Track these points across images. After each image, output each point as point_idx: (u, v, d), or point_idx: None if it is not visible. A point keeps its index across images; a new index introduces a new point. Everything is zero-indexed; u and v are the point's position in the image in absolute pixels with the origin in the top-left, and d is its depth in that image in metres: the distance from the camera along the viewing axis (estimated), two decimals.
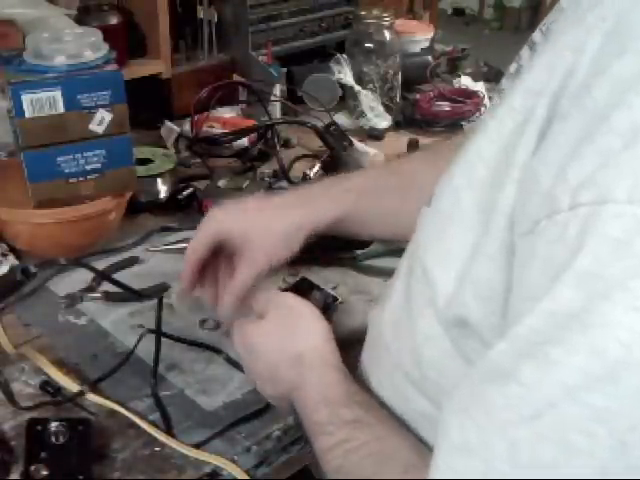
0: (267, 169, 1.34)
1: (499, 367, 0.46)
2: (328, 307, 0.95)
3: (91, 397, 0.82)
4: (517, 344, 0.45)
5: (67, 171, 1.01)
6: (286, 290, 0.97)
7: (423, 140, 1.46)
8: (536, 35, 0.63)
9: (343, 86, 1.55)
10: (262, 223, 0.83)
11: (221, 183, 1.22)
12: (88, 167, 1.02)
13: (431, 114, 1.54)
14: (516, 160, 0.50)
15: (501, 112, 0.54)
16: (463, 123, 1.51)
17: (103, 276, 0.99)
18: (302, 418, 0.69)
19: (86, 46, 1.01)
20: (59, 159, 1.00)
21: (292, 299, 0.76)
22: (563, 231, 0.43)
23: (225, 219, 0.84)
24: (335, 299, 0.96)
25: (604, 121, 0.44)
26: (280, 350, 0.72)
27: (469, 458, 0.47)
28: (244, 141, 1.38)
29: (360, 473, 0.61)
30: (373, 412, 0.65)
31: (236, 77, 1.55)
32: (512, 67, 0.66)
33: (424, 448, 0.60)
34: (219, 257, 0.84)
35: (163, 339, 0.88)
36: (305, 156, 1.40)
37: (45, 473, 0.70)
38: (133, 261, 1.07)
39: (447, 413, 0.50)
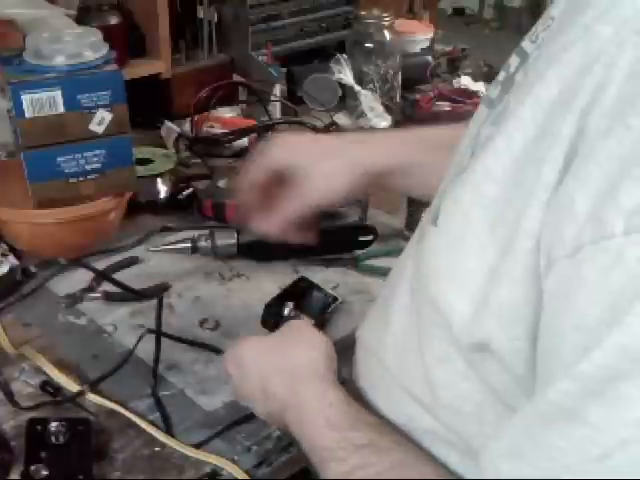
0: None
1: (561, 408, 0.43)
2: (328, 307, 0.95)
3: (91, 397, 0.82)
4: (583, 382, 0.42)
5: (67, 171, 1.01)
6: (285, 289, 0.97)
7: None
8: (526, 44, 0.61)
9: (343, 86, 1.55)
10: (320, 157, 0.82)
11: (221, 183, 1.22)
12: (88, 167, 1.02)
13: (431, 114, 1.54)
14: (542, 179, 0.47)
15: (509, 127, 0.52)
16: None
17: (103, 276, 1.00)
18: (300, 440, 0.66)
19: (86, 46, 1.01)
20: (59, 159, 1.00)
21: (294, 319, 0.76)
22: (619, 257, 0.41)
23: (287, 147, 0.84)
24: (335, 299, 0.96)
25: None
26: (272, 362, 0.70)
27: None
28: (244, 141, 1.38)
29: None
30: (386, 435, 0.61)
31: (236, 77, 1.56)
32: (501, 75, 0.64)
33: (448, 474, 0.58)
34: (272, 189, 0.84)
35: (163, 339, 0.88)
36: None
37: (45, 473, 0.70)
38: (133, 261, 1.07)
39: (496, 457, 0.48)
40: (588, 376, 0.42)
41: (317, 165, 0.81)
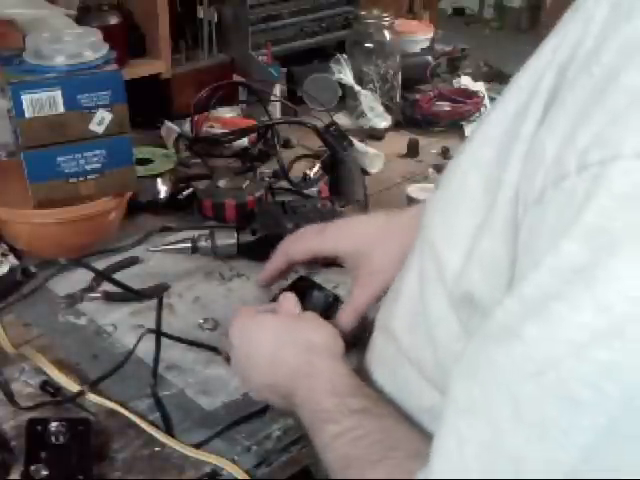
0: (267, 169, 1.34)
1: (504, 326, 0.46)
2: (329, 306, 0.95)
3: (91, 397, 0.82)
4: (522, 302, 0.44)
5: (67, 171, 1.01)
6: (285, 289, 0.96)
7: (423, 140, 1.46)
8: None
9: (343, 86, 1.55)
10: (383, 242, 0.82)
11: (221, 183, 1.22)
12: (88, 167, 1.02)
13: (431, 114, 1.54)
14: (521, 134, 0.50)
15: (507, 94, 0.55)
16: (463, 123, 1.51)
17: (103, 276, 1.00)
18: (302, 407, 0.69)
19: (86, 46, 1.01)
20: (59, 159, 1.00)
21: (310, 313, 0.79)
22: (572, 196, 0.42)
23: (342, 237, 0.86)
24: (337, 298, 0.96)
25: (612, 82, 0.43)
26: (289, 335, 0.74)
27: (474, 420, 0.46)
28: (244, 141, 1.38)
29: (366, 460, 0.60)
30: (381, 406, 0.65)
31: (236, 77, 1.56)
32: None
33: (430, 440, 0.59)
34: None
35: (163, 339, 0.88)
36: (305, 156, 1.40)
37: (45, 473, 0.70)
38: (133, 261, 1.07)
39: (453, 380, 0.50)
40: (527, 296, 0.44)
41: (379, 253, 0.82)
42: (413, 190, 1.24)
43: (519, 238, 0.48)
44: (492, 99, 1.58)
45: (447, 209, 0.59)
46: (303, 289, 0.95)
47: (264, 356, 0.74)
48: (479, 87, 1.62)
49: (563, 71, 0.48)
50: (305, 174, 1.31)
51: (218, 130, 1.41)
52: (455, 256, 0.55)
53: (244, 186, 1.21)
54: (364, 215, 0.96)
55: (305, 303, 0.91)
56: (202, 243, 1.06)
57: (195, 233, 1.08)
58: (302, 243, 0.89)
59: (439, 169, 1.33)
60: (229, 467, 0.75)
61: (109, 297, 0.99)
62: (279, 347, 0.73)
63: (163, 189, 1.22)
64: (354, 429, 0.62)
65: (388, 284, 0.78)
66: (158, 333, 0.88)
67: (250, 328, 0.77)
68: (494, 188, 0.52)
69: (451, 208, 0.58)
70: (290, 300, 0.81)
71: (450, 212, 0.58)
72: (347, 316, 0.83)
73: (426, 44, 1.76)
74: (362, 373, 0.72)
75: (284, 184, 1.29)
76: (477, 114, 1.52)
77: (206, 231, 1.08)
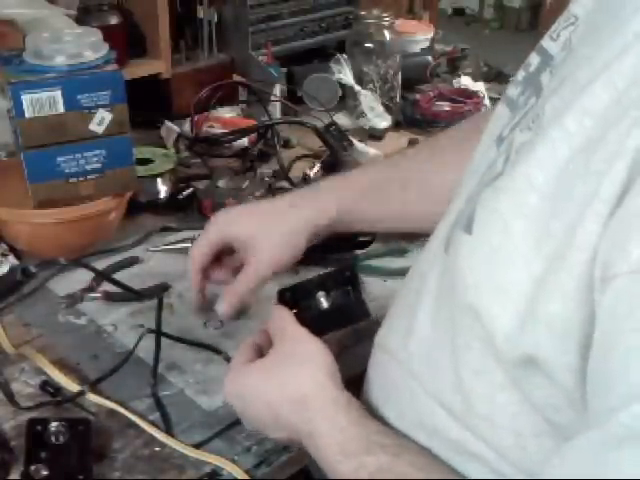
0: (267, 169, 1.34)
1: (632, 431, 0.41)
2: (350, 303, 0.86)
3: (91, 397, 0.82)
4: None
5: (67, 171, 1.01)
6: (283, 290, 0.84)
7: (423, 140, 1.46)
8: (547, 43, 0.60)
9: (343, 86, 1.55)
10: (265, 227, 0.88)
11: (221, 183, 1.22)
12: (88, 167, 1.02)
13: (431, 114, 1.54)
14: (600, 192, 0.46)
15: (552, 136, 0.51)
16: None
17: (103, 276, 0.99)
18: (319, 463, 0.65)
19: (86, 46, 1.01)
20: (59, 159, 1.00)
21: (297, 331, 0.71)
22: None
23: (230, 223, 0.90)
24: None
25: None
26: (280, 389, 0.68)
27: None
28: (244, 141, 1.38)
29: None
30: (404, 456, 0.60)
31: (236, 77, 1.56)
32: (520, 75, 0.62)
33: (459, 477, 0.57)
34: (222, 259, 0.91)
35: (163, 339, 0.88)
36: (305, 156, 1.40)
37: (45, 473, 0.70)
38: (133, 261, 1.07)
39: None
40: None
41: (262, 237, 0.87)
42: None
43: (600, 304, 0.45)
44: (492, 99, 1.59)
45: (487, 259, 0.54)
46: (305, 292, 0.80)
47: (267, 417, 0.69)
48: (479, 87, 1.62)
49: None
50: (305, 174, 1.31)
51: (218, 130, 1.41)
52: (506, 315, 0.51)
53: (244, 186, 1.21)
54: (255, 202, 1.04)
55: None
56: None
57: (195, 233, 1.08)
58: (202, 242, 0.91)
59: None
60: (229, 467, 0.75)
61: (109, 297, 0.99)
62: (276, 409, 0.67)
63: (163, 189, 1.22)
64: None
65: (269, 269, 0.87)
66: (158, 333, 0.88)
67: (241, 392, 0.71)
68: (554, 244, 0.48)
69: (493, 259, 0.53)
70: (281, 316, 0.74)
71: (493, 264, 0.53)
72: (230, 299, 0.87)
73: (426, 44, 1.76)
74: (364, 402, 0.69)
75: (284, 184, 1.29)
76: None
77: None
